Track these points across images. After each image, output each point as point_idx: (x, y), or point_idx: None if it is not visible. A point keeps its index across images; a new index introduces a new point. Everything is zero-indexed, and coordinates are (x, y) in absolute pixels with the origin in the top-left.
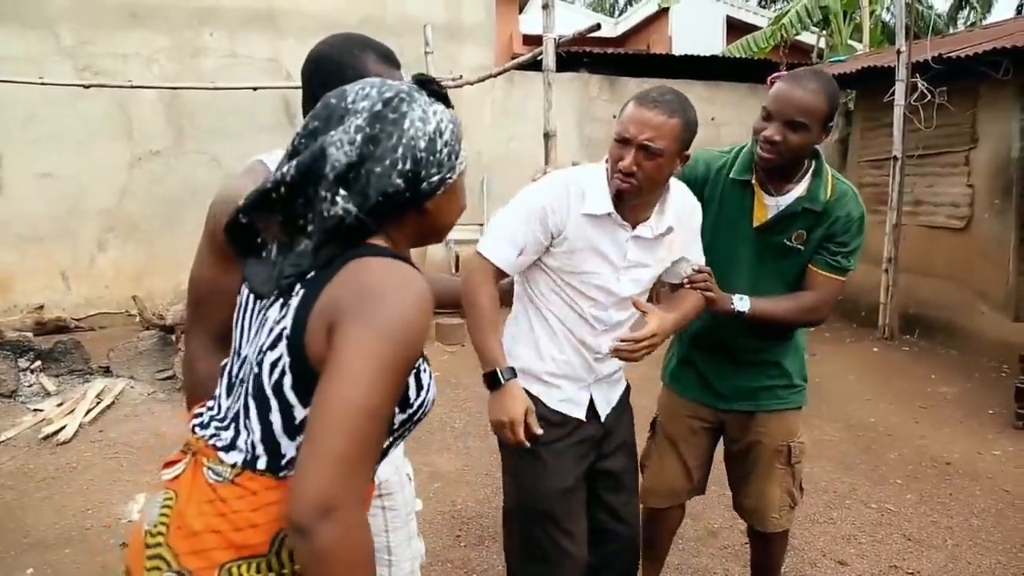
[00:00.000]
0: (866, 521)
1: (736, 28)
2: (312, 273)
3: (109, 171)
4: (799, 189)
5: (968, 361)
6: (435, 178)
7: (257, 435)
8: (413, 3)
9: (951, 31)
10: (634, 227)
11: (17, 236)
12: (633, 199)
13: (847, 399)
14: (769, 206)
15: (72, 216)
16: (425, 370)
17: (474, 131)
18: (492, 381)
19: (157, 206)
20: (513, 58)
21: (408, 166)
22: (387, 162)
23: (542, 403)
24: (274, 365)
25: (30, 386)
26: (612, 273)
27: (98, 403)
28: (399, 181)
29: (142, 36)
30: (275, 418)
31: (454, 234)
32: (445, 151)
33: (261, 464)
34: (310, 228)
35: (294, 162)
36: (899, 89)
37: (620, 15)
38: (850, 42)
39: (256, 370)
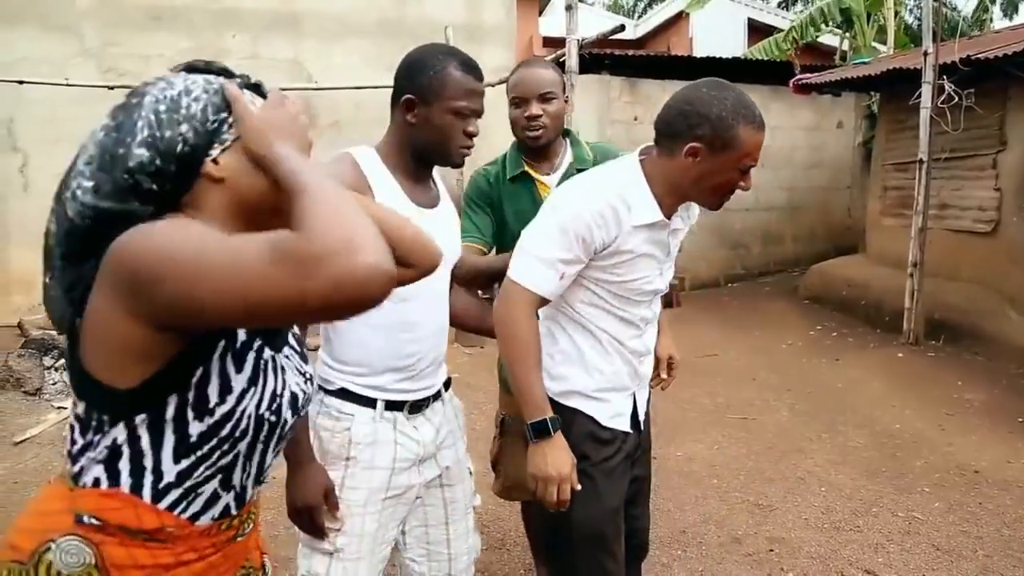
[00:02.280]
0: (894, 530)
1: (758, 30)
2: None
3: None
4: (567, 159)
5: (995, 367)
6: (190, 135)
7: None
8: (433, 5)
9: (976, 33)
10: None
11: (41, 235)
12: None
13: (871, 405)
14: (549, 183)
15: None
16: (241, 369)
17: (495, 131)
18: (540, 431)
19: None
20: None
21: (147, 132)
22: (127, 138)
23: (595, 421)
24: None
25: (54, 384)
26: (657, 270)
27: None
28: (140, 151)
29: (165, 38)
30: (76, 409)
31: None
32: (197, 106)
33: (69, 466)
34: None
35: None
36: (925, 91)
37: (639, 17)
38: (874, 44)
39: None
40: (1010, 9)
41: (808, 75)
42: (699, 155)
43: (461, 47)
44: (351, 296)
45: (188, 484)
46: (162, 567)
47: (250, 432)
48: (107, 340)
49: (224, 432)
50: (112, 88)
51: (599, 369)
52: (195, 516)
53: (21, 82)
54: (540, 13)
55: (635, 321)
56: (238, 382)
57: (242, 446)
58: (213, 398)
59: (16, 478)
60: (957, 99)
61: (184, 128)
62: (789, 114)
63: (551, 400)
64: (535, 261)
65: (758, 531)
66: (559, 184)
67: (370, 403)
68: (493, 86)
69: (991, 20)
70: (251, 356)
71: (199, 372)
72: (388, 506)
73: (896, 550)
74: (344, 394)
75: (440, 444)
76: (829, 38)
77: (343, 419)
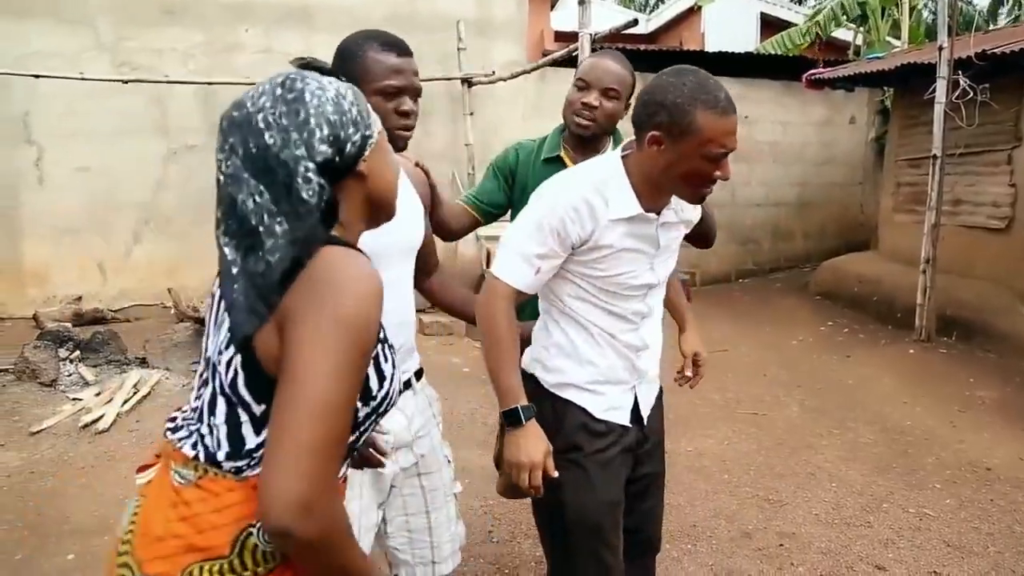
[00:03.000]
0: (904, 526)
1: (770, 25)
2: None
3: (145, 165)
4: None
5: (1008, 364)
6: (356, 136)
7: (222, 433)
8: None
9: (991, 27)
10: (659, 216)
11: (56, 228)
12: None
13: (882, 402)
14: None
15: (108, 209)
16: (387, 359)
17: (507, 127)
18: (512, 419)
19: (191, 200)
20: (544, 54)
21: (327, 131)
22: (305, 135)
23: (588, 413)
24: (229, 364)
25: (70, 375)
26: (646, 264)
27: (135, 393)
28: (324, 148)
29: (178, 32)
30: (240, 414)
31: (484, 230)
32: (354, 110)
33: (224, 463)
34: (270, 233)
35: (259, 188)
36: (940, 86)
37: (651, 12)
38: (888, 39)
39: (217, 369)
40: (1015, 8)
41: (821, 70)
42: (661, 143)
43: (472, 42)
44: (272, 520)
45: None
46: None
47: (389, 407)
48: (273, 345)
49: (381, 410)
50: (127, 82)
51: (591, 362)
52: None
53: (36, 76)
54: (552, 7)
55: (626, 315)
56: (387, 369)
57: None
58: (374, 387)
59: (33, 468)
60: (972, 94)
61: (352, 130)
62: (801, 109)
63: (547, 392)
64: (513, 255)
65: (768, 526)
66: None
67: None
68: (505, 80)
69: (994, 19)
70: (389, 347)
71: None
72: (365, 491)
73: (907, 546)
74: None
75: (415, 433)
76: (842, 33)
77: None
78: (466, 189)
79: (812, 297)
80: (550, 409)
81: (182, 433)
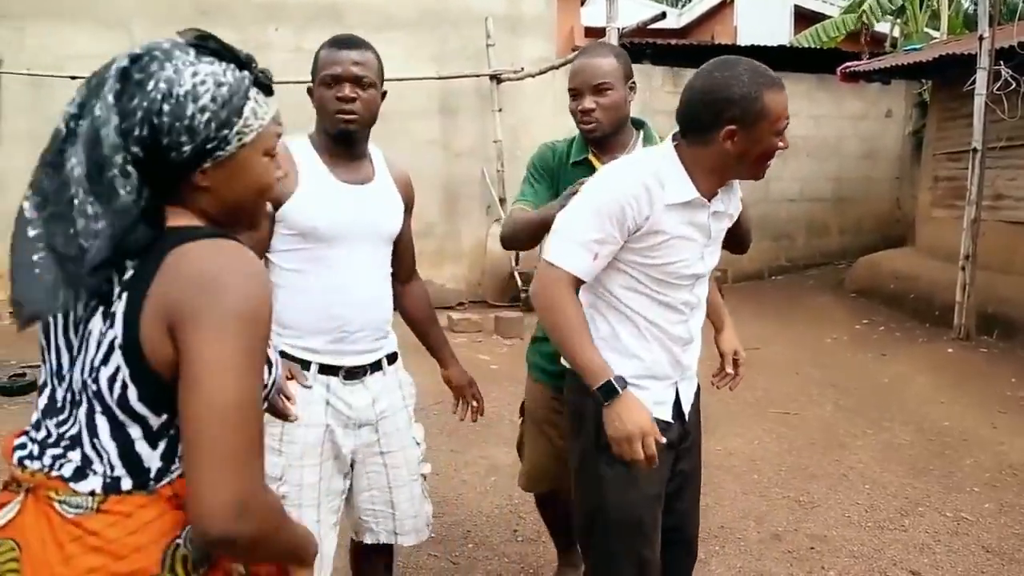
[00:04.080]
0: (941, 530)
1: (804, 17)
2: (131, 272)
3: None
4: (635, 153)
5: None
6: (186, 148)
7: (113, 454)
8: None
9: None
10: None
11: None
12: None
13: (919, 401)
14: None
15: None
16: (272, 347)
17: (536, 124)
18: (608, 392)
19: None
20: (574, 51)
21: (145, 132)
22: (124, 124)
23: None
24: (112, 380)
25: None
26: (698, 253)
27: None
28: (136, 149)
29: (211, 32)
30: (132, 431)
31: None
32: (201, 117)
33: (125, 485)
34: (88, 205)
35: (82, 157)
36: (980, 77)
37: (684, 6)
38: (926, 30)
39: (95, 387)
40: None
41: (856, 63)
42: (735, 136)
43: (501, 38)
44: (204, 524)
45: None
46: None
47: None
48: (163, 350)
49: (268, 396)
50: None
51: (637, 356)
52: None
53: (73, 77)
54: (582, 3)
55: (677, 306)
56: (273, 356)
57: None
58: (264, 375)
59: None
60: (1015, 85)
61: (184, 139)
62: (835, 103)
63: (589, 386)
64: (569, 242)
65: (799, 528)
66: None
67: (305, 365)
68: (533, 76)
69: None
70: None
71: None
72: (326, 459)
73: (943, 551)
74: (282, 356)
75: (379, 413)
76: (880, 25)
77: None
78: (495, 186)
79: (847, 294)
80: (592, 405)
81: (46, 460)
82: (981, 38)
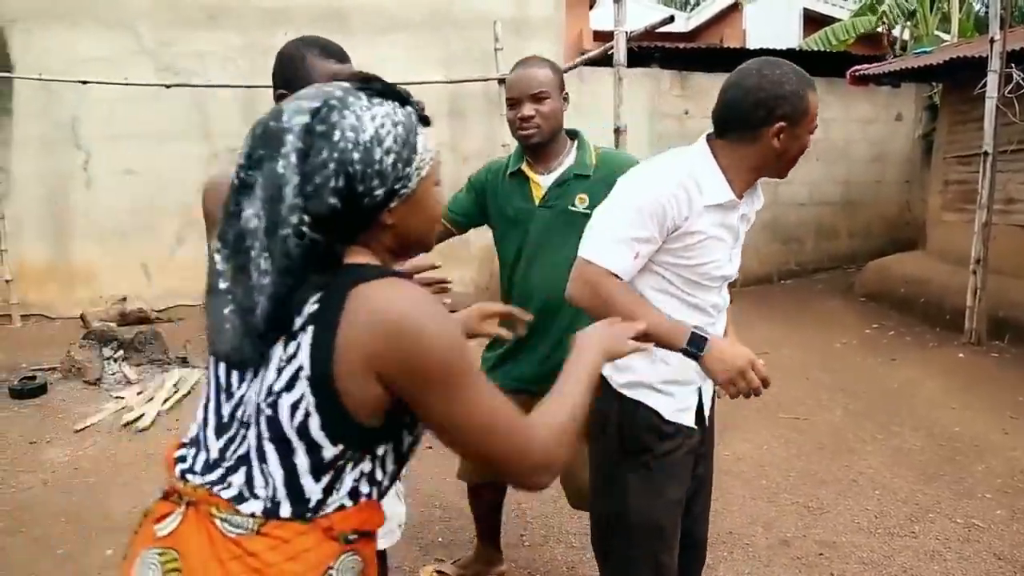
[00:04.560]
0: (951, 537)
1: (813, 20)
2: (315, 307)
3: (187, 168)
4: (567, 162)
5: None
6: (378, 192)
7: (279, 480)
8: None
9: None
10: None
11: (103, 230)
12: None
13: (930, 406)
14: (544, 184)
15: (153, 211)
16: None
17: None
18: (699, 343)
19: None
20: (583, 54)
21: (341, 183)
22: (318, 181)
23: (658, 415)
24: (295, 407)
25: (113, 374)
26: (727, 255)
27: (175, 392)
28: (333, 201)
29: (218, 36)
30: (300, 460)
31: None
32: (388, 160)
33: (284, 512)
34: (262, 259)
35: (260, 212)
36: (991, 80)
37: (692, 9)
38: (937, 33)
39: (270, 412)
40: None
41: (866, 66)
42: (784, 132)
43: (509, 41)
44: (528, 486)
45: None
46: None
47: None
48: (360, 390)
49: (420, 436)
50: (169, 87)
51: (664, 360)
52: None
53: (84, 82)
54: (591, 7)
55: (706, 308)
56: None
57: None
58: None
59: (77, 464)
60: None
61: (376, 184)
62: (845, 107)
63: (615, 392)
64: (609, 241)
65: (807, 534)
66: (553, 186)
67: None
68: None
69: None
70: None
71: None
72: None
73: (954, 558)
74: None
75: None
76: (884, 28)
77: None
78: None
79: (857, 298)
80: (617, 410)
81: (211, 477)
82: (992, 40)
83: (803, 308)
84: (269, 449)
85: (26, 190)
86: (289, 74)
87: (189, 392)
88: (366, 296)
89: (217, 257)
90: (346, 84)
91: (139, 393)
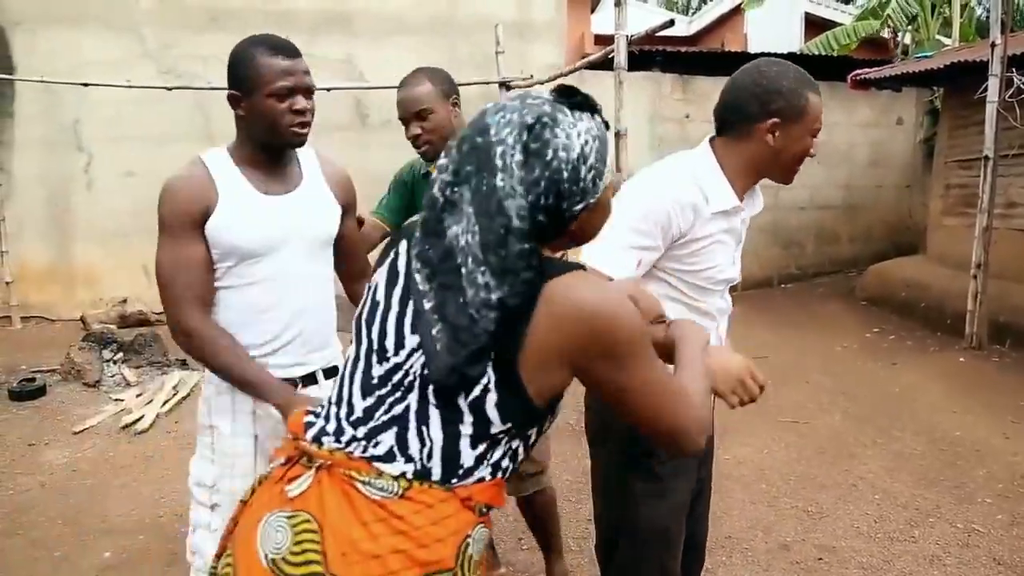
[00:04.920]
0: (951, 541)
1: (815, 25)
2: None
3: None
4: None
5: None
6: (578, 206)
7: (437, 443)
8: (483, 2)
9: None
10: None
11: (104, 232)
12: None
13: (930, 411)
14: None
15: (154, 213)
16: None
17: None
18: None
19: None
20: (584, 57)
21: (551, 200)
22: (531, 196)
23: None
24: (473, 382)
25: (112, 376)
26: (730, 258)
27: (174, 395)
28: (542, 217)
29: (221, 39)
30: (465, 428)
31: None
32: (589, 176)
33: (435, 474)
34: (478, 274)
35: (474, 227)
36: (992, 84)
37: (694, 13)
38: (938, 37)
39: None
40: None
41: (867, 70)
42: (778, 130)
43: (511, 44)
44: (691, 445)
45: None
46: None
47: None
48: (548, 376)
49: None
50: (171, 89)
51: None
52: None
53: (86, 84)
54: (592, 10)
55: (711, 311)
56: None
57: None
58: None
59: (75, 466)
60: None
61: (577, 199)
62: (846, 111)
63: None
64: (612, 247)
65: (807, 538)
66: None
67: None
68: (543, 83)
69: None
70: None
71: None
72: (260, 470)
73: (954, 563)
74: None
75: None
76: (889, 32)
77: (207, 388)
78: None
79: (857, 302)
80: None
81: (357, 434)
82: (993, 45)
83: (804, 312)
84: (434, 414)
85: (27, 192)
86: (239, 73)
87: (188, 395)
88: (563, 290)
89: (418, 277)
90: (548, 96)
91: (138, 395)
